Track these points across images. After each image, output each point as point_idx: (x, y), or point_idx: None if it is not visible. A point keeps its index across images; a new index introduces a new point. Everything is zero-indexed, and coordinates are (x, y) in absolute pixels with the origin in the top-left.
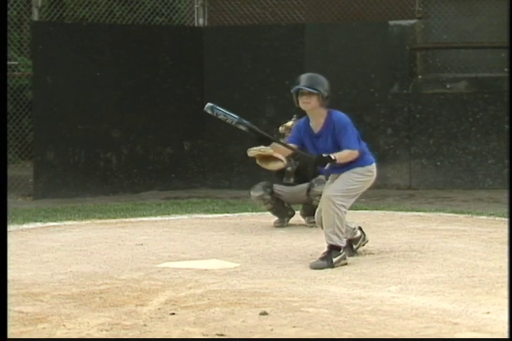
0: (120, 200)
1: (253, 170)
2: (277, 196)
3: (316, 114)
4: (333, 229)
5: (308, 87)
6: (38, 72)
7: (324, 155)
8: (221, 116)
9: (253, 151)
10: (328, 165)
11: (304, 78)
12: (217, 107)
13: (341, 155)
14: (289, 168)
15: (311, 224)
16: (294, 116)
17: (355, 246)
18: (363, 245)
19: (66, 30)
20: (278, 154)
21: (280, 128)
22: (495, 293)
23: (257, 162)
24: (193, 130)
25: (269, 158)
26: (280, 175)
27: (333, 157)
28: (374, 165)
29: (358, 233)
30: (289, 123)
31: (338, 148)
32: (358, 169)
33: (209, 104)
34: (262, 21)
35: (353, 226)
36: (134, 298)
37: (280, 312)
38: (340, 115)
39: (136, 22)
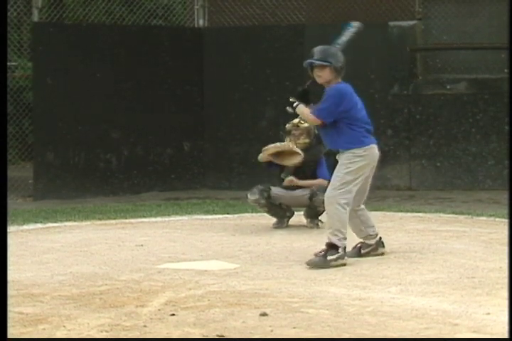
0: (120, 201)
1: (253, 171)
2: (276, 199)
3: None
4: (332, 231)
5: (320, 60)
6: (38, 73)
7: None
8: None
9: (271, 149)
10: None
11: (316, 51)
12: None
13: (302, 110)
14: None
15: (312, 225)
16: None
17: (363, 251)
18: (373, 255)
19: (66, 31)
20: (295, 148)
21: (287, 126)
22: (495, 294)
23: (272, 159)
24: (193, 130)
25: (284, 154)
26: (278, 170)
27: (294, 104)
28: (367, 147)
29: (373, 241)
30: (296, 120)
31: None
32: (347, 155)
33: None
34: (261, 22)
35: (371, 232)
36: (134, 298)
37: (280, 313)
38: (337, 86)
39: (136, 23)
